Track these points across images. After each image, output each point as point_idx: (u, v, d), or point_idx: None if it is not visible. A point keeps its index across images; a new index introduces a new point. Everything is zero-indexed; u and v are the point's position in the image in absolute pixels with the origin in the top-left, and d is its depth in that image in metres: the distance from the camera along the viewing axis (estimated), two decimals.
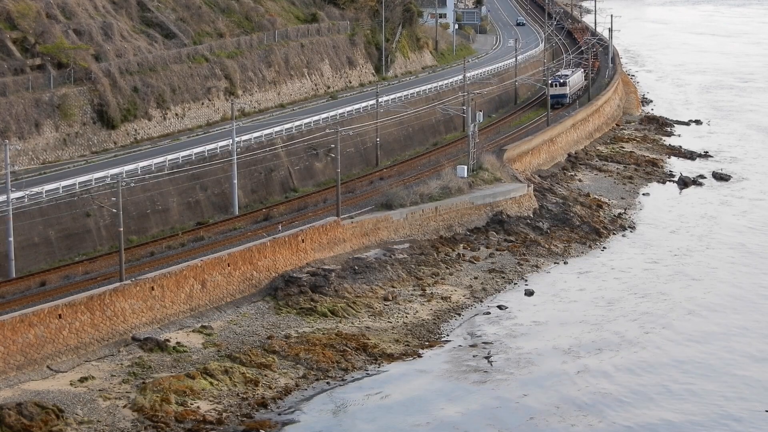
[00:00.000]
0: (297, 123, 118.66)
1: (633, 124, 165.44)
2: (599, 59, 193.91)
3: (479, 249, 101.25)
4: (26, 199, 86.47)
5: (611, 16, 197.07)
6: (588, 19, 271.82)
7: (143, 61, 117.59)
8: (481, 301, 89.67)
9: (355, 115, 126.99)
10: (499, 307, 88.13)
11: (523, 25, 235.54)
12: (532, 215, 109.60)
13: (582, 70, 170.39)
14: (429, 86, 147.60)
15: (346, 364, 75.39)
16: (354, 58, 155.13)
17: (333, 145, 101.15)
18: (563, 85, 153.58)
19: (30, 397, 65.58)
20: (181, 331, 78.00)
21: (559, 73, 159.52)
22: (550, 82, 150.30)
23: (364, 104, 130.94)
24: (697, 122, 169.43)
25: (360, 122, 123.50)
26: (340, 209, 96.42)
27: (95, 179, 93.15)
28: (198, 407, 67.62)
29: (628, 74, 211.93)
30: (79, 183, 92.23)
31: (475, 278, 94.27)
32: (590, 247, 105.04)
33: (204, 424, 65.78)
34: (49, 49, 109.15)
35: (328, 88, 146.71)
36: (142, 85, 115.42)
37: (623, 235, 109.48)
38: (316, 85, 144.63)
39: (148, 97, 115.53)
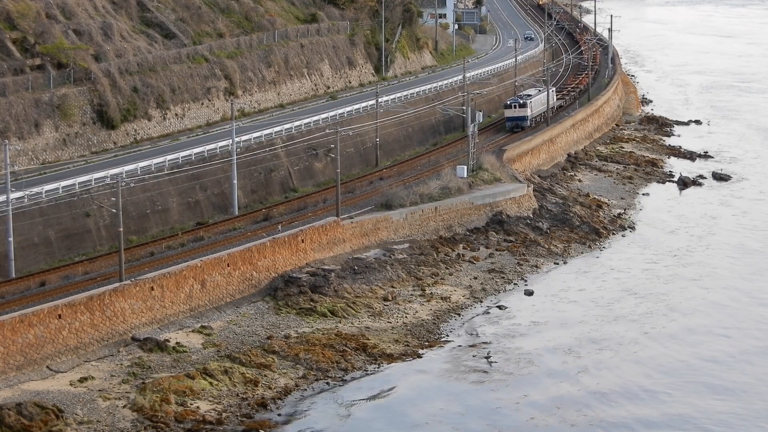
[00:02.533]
0: (297, 123, 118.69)
1: (633, 124, 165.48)
2: (595, 65, 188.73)
3: (479, 249, 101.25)
4: (26, 199, 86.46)
5: (611, 16, 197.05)
6: (588, 20, 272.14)
7: (143, 61, 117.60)
8: (481, 301, 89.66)
9: (355, 116, 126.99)
10: (499, 307, 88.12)
11: (532, 39, 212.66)
12: (531, 215, 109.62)
13: (554, 89, 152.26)
14: (429, 86, 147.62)
15: (346, 364, 75.38)
16: (354, 58, 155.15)
17: (333, 145, 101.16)
18: (523, 106, 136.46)
19: (30, 397, 65.57)
20: (181, 331, 77.99)
21: (520, 93, 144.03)
22: (508, 102, 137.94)
23: (363, 104, 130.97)
24: (697, 122, 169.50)
25: (360, 122, 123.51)
26: (340, 209, 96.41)
27: (95, 179, 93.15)
28: (198, 407, 67.61)
29: (628, 74, 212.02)
30: (79, 183, 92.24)
31: (475, 278, 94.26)
32: (590, 247, 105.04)
33: (204, 424, 65.77)
34: (48, 49, 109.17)
35: (328, 88, 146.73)
36: (142, 85, 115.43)
37: (623, 235, 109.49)
38: (315, 85, 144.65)
39: (148, 97, 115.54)
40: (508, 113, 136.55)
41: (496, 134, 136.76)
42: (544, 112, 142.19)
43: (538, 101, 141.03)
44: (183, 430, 65.23)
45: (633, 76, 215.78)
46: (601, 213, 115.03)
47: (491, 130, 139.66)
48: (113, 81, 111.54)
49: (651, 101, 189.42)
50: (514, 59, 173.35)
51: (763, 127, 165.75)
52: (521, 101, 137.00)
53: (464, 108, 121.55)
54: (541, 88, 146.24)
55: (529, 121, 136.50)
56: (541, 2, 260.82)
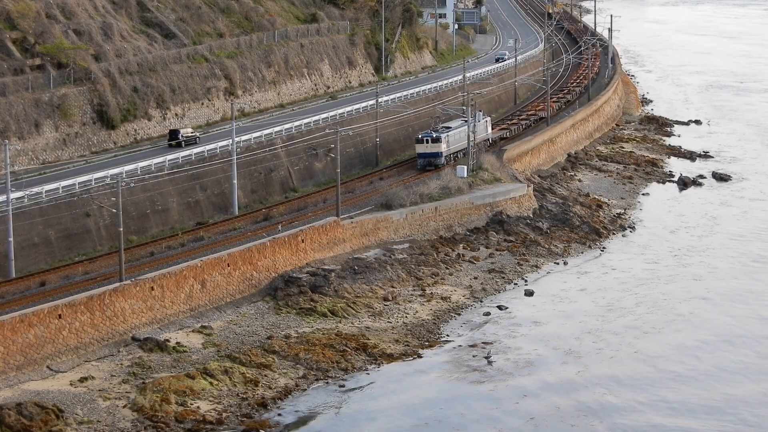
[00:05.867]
0: (297, 123, 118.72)
1: (633, 124, 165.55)
2: (578, 87, 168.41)
3: (479, 249, 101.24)
4: (26, 199, 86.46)
5: (611, 16, 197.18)
6: (588, 19, 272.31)
7: (143, 61, 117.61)
8: (481, 301, 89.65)
9: (355, 115, 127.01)
10: (499, 307, 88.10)
11: (504, 60, 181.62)
12: (531, 215, 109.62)
13: (487, 118, 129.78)
14: (429, 86, 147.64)
15: (346, 364, 75.37)
16: (354, 58, 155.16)
17: (333, 145, 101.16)
18: (436, 141, 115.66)
19: (30, 397, 65.56)
20: (181, 331, 77.98)
21: (436, 126, 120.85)
22: (419, 137, 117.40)
23: (363, 104, 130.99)
24: (697, 122, 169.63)
25: (360, 122, 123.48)
26: (340, 209, 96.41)
27: (95, 179, 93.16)
28: (198, 407, 67.61)
29: (628, 74, 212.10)
30: (79, 183, 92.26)
31: (475, 278, 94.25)
32: (590, 247, 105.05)
33: (204, 424, 65.77)
34: (49, 49, 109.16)
35: (328, 88, 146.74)
36: (142, 85, 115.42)
37: (623, 235, 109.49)
38: (315, 85, 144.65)
39: (148, 97, 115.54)
40: (420, 149, 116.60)
41: (402, 174, 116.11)
42: (478, 143, 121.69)
43: (459, 135, 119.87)
44: (183, 430, 65.23)
45: (633, 76, 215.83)
46: (601, 213, 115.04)
47: (402, 167, 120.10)
48: (113, 81, 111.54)
49: (651, 101, 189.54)
50: (514, 59, 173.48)
51: (764, 127, 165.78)
52: (434, 135, 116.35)
53: (464, 108, 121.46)
54: (464, 119, 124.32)
55: (443, 159, 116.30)
56: (549, 10, 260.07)
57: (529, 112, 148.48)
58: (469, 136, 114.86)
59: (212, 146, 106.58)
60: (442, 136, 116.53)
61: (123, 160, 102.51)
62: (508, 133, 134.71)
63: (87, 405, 66.20)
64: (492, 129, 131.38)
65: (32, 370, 69.10)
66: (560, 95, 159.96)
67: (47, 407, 64.42)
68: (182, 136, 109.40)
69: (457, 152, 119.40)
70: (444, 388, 72.67)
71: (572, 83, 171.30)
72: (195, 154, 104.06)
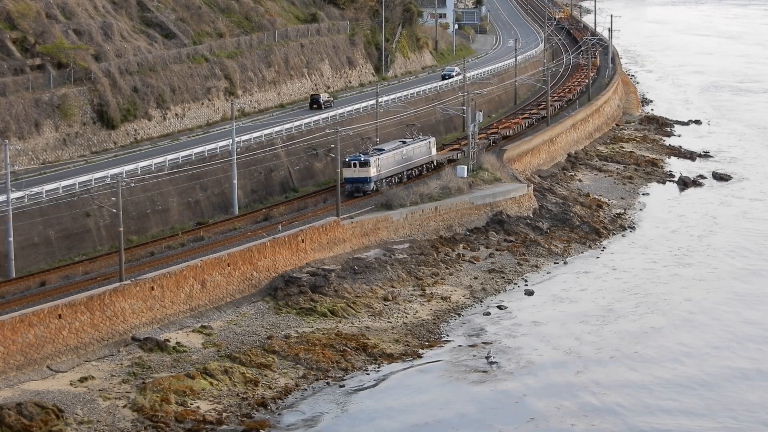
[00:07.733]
0: (297, 123, 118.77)
1: (633, 124, 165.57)
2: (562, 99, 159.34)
3: (479, 249, 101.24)
4: (26, 199, 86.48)
5: (611, 16, 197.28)
6: (588, 19, 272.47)
7: (143, 61, 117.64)
8: (481, 301, 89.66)
9: (355, 115, 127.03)
10: (499, 307, 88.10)
11: (451, 77, 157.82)
12: (532, 215, 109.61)
13: (431, 139, 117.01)
14: (429, 86, 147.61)
15: (346, 364, 75.38)
16: (354, 58, 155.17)
17: (333, 145, 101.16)
18: (365, 165, 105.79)
19: (30, 397, 65.55)
20: (181, 331, 77.98)
21: (366, 148, 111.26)
22: (347, 160, 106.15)
23: (364, 104, 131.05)
24: (697, 122, 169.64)
25: (360, 122, 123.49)
26: (340, 209, 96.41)
27: (95, 179, 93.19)
28: (198, 407, 67.61)
29: (628, 74, 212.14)
30: (79, 183, 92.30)
31: (475, 278, 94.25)
32: (590, 247, 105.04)
33: (204, 424, 65.77)
34: (49, 49, 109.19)
35: (328, 88, 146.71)
36: (142, 85, 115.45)
37: (623, 235, 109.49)
38: (316, 85, 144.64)
39: (148, 97, 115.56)
40: (347, 173, 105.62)
41: (325, 202, 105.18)
42: (415, 168, 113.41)
43: (395, 157, 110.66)
44: (183, 429, 65.23)
45: (633, 76, 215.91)
46: (601, 213, 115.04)
47: (325, 194, 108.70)
48: (113, 81, 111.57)
49: (651, 101, 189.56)
50: (514, 59, 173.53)
51: (763, 127, 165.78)
52: (363, 159, 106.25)
53: (464, 108, 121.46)
54: (406, 140, 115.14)
55: (373, 184, 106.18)
56: (556, 16, 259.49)
57: (491, 131, 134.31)
58: (470, 135, 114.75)
59: (212, 146, 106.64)
60: (371, 159, 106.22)
61: (123, 160, 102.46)
62: (459, 155, 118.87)
63: (87, 405, 66.21)
64: (440, 150, 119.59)
65: (32, 370, 69.10)
66: (534, 111, 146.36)
67: (47, 407, 64.41)
68: (322, 100, 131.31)
69: (392, 176, 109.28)
70: (444, 388, 72.68)
71: (554, 97, 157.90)
72: (195, 153, 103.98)
